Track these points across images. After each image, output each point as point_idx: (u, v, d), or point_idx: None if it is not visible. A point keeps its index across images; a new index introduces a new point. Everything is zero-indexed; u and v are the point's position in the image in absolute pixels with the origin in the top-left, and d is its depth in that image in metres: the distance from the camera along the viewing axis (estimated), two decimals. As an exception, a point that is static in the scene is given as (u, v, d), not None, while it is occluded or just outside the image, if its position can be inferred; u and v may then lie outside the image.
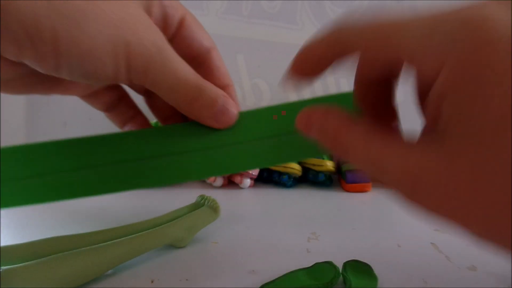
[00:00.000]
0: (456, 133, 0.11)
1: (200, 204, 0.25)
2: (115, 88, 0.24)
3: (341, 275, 0.17)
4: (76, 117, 0.60)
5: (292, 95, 0.57)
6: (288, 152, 0.21)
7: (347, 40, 0.16)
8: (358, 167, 0.14)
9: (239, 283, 0.17)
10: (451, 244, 0.22)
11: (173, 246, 0.22)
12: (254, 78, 0.55)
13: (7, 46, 0.14)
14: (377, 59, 0.14)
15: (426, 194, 0.12)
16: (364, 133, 0.14)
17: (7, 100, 0.59)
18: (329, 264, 0.18)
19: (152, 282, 0.18)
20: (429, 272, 0.18)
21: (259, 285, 0.16)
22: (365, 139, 0.14)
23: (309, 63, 0.17)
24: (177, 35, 0.20)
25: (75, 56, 0.14)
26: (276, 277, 0.17)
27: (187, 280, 0.18)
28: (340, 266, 0.18)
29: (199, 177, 0.22)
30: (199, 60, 0.21)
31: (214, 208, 0.24)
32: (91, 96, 0.24)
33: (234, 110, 0.19)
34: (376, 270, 0.18)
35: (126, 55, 0.15)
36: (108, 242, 0.19)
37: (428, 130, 0.14)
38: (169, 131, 0.21)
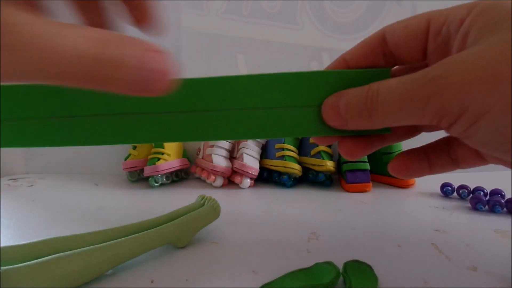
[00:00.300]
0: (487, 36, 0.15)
1: (200, 204, 0.25)
2: None
3: (341, 275, 0.17)
4: (76, 117, 0.60)
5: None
6: (303, 127, 0.20)
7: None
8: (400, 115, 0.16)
9: (239, 283, 0.17)
10: (451, 244, 0.22)
11: (173, 245, 0.22)
12: (254, 78, 0.55)
13: None
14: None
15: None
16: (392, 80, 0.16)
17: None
18: (329, 264, 0.18)
19: (152, 282, 0.18)
20: (429, 272, 0.18)
21: (259, 285, 0.16)
22: (398, 79, 0.16)
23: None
24: None
25: None
26: (276, 277, 0.17)
27: (187, 280, 0.18)
28: (340, 266, 0.18)
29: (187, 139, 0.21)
30: None
31: (214, 208, 0.24)
32: None
33: (161, 68, 0.12)
34: (376, 270, 0.18)
35: None
36: (108, 242, 0.19)
37: None
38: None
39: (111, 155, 0.59)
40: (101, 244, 0.19)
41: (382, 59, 0.21)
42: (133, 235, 0.20)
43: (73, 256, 0.17)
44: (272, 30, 0.55)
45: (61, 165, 0.61)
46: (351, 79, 0.20)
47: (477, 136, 0.14)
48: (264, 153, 0.52)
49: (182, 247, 0.22)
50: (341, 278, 0.17)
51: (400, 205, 0.32)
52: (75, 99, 0.20)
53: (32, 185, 0.47)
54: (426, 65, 0.18)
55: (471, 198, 0.31)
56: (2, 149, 0.60)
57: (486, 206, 0.30)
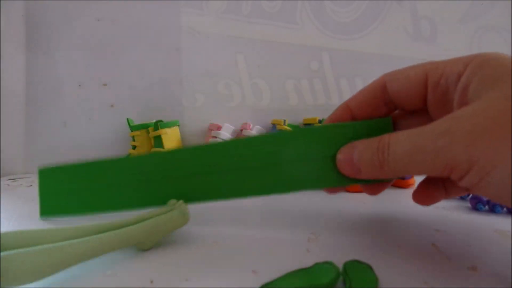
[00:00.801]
0: (486, 93, 0.16)
1: (169, 208, 0.24)
2: None
3: (341, 275, 0.17)
4: (76, 117, 0.60)
5: (292, 95, 0.57)
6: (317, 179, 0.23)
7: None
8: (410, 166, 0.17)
9: (239, 283, 0.17)
10: (451, 244, 0.22)
11: (137, 248, 0.22)
12: (254, 78, 0.55)
13: None
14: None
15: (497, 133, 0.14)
16: (403, 132, 0.18)
17: (7, 100, 0.59)
18: (329, 264, 0.18)
19: (152, 282, 0.18)
20: (429, 272, 0.18)
21: (259, 285, 0.16)
22: (408, 133, 0.18)
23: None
24: None
25: None
26: (276, 277, 0.17)
27: (187, 280, 0.18)
28: (340, 266, 0.18)
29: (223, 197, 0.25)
30: None
31: (183, 213, 0.23)
32: None
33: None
34: (376, 270, 0.18)
35: None
36: (70, 241, 0.19)
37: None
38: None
39: (111, 155, 0.59)
40: (61, 243, 0.18)
41: (383, 105, 0.22)
42: (96, 235, 0.20)
43: (26, 253, 0.17)
44: (272, 30, 0.55)
45: (61, 165, 0.61)
46: (357, 130, 0.22)
47: (489, 190, 0.15)
48: (264, 153, 0.51)
49: (146, 250, 0.22)
50: (341, 278, 0.17)
51: (400, 205, 0.32)
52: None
53: (31, 185, 0.47)
54: (425, 110, 0.21)
55: (471, 198, 0.31)
56: (1, 149, 0.60)
57: (486, 206, 0.30)
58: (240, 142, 0.24)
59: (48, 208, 0.27)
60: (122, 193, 0.26)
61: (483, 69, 0.17)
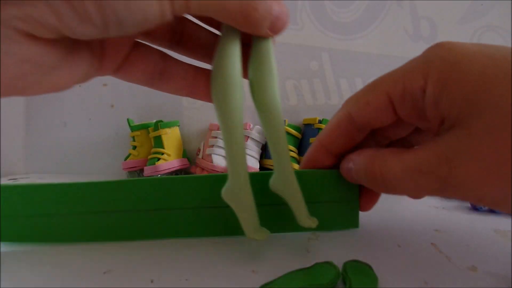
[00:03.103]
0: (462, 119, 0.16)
1: None
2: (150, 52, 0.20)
3: (341, 275, 0.17)
4: (76, 117, 0.60)
5: (292, 95, 0.57)
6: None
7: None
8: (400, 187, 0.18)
9: (239, 283, 0.17)
10: (451, 244, 0.22)
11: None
12: (254, 78, 0.55)
13: (46, 19, 0.12)
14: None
15: (465, 169, 0.16)
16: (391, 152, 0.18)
17: (7, 100, 0.59)
18: (329, 264, 0.18)
19: (152, 282, 0.18)
20: (429, 272, 0.18)
21: (259, 285, 0.16)
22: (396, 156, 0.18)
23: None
24: None
25: (122, 4, 0.13)
26: (276, 277, 0.17)
27: (187, 280, 0.18)
28: (340, 266, 0.18)
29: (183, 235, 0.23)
30: None
31: None
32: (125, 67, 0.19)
33: (286, 11, 0.17)
34: (376, 270, 0.18)
35: None
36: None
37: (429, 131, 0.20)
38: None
39: (111, 155, 0.59)
40: None
41: (356, 133, 0.22)
42: None
43: None
44: (272, 30, 0.55)
45: (60, 165, 0.61)
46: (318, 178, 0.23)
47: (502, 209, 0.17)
48: (264, 153, 0.52)
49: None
50: (341, 278, 0.17)
51: (400, 205, 0.32)
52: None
53: (32, 185, 0.47)
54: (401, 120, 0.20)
55: (471, 198, 0.31)
56: (2, 149, 0.60)
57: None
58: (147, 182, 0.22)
59: (9, 233, 0.23)
60: (64, 222, 0.23)
61: (446, 86, 0.16)
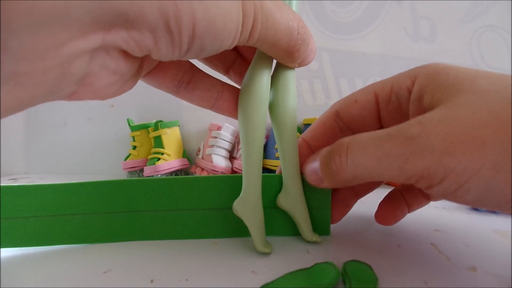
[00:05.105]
0: (439, 103, 0.16)
1: None
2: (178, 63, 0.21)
3: (341, 275, 0.17)
4: (76, 117, 0.60)
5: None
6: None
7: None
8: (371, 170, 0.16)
9: (239, 283, 0.17)
10: (451, 244, 0.22)
11: None
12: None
13: (145, 43, 0.13)
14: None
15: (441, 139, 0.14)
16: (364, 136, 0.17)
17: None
18: (329, 264, 0.18)
19: (152, 282, 0.18)
20: (429, 272, 0.18)
21: (259, 285, 0.16)
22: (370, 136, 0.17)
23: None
24: None
25: (211, 34, 0.14)
26: (276, 277, 0.17)
27: (187, 280, 0.18)
28: (340, 266, 0.18)
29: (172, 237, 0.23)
30: None
31: None
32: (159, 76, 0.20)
33: (315, 49, 0.20)
34: (376, 270, 0.18)
35: (241, 17, 0.15)
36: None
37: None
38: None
39: (111, 155, 0.59)
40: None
41: (339, 133, 0.22)
42: None
43: None
44: (272, 30, 0.55)
45: (61, 165, 0.61)
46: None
47: (467, 197, 0.14)
48: (264, 153, 0.52)
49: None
50: (340, 278, 0.17)
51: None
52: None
53: (32, 185, 0.47)
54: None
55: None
56: (2, 149, 0.60)
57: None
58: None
59: (8, 236, 0.22)
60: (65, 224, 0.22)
61: (435, 79, 0.17)
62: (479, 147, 0.13)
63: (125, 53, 0.14)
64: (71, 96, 0.14)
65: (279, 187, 0.22)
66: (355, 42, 0.56)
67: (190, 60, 0.20)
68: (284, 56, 0.18)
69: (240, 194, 0.20)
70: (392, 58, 0.55)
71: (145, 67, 0.18)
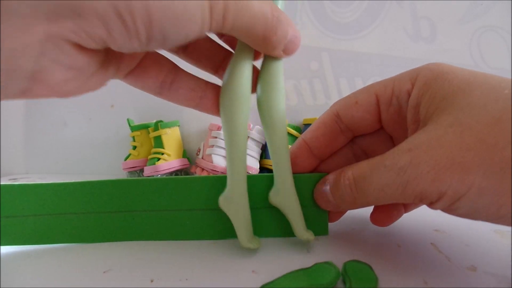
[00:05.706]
0: (437, 116, 0.16)
1: None
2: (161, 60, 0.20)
3: (341, 275, 0.17)
4: (76, 117, 0.60)
5: (292, 95, 0.57)
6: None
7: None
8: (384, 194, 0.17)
9: (239, 283, 0.17)
10: (451, 244, 0.22)
11: None
12: (254, 78, 0.55)
13: (97, 32, 0.13)
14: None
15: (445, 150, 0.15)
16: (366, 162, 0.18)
17: (6, 101, 0.59)
18: (329, 264, 0.18)
19: (152, 281, 0.18)
20: (429, 272, 0.18)
21: (259, 285, 0.16)
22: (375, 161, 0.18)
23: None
24: None
25: (171, 19, 0.13)
26: (276, 277, 0.17)
27: (187, 280, 0.18)
28: (340, 266, 0.18)
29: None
30: None
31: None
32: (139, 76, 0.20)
33: (299, 36, 0.19)
34: (376, 270, 0.18)
35: (210, 4, 0.14)
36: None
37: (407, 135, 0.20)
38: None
39: (111, 155, 0.59)
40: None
41: (340, 134, 0.22)
42: None
43: None
44: (272, 30, 0.55)
45: (60, 165, 0.61)
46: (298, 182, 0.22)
47: (460, 211, 0.16)
48: (264, 153, 0.52)
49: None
50: (340, 278, 0.17)
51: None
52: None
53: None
54: (383, 129, 0.21)
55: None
56: (2, 149, 0.60)
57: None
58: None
59: (8, 235, 0.22)
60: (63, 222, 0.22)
61: (431, 87, 0.17)
62: (465, 173, 0.14)
63: (79, 47, 0.13)
64: (25, 93, 0.14)
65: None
66: (355, 42, 0.56)
67: (173, 61, 0.20)
68: (263, 43, 0.17)
69: (225, 190, 0.20)
70: (392, 58, 0.55)
71: (124, 66, 0.18)
